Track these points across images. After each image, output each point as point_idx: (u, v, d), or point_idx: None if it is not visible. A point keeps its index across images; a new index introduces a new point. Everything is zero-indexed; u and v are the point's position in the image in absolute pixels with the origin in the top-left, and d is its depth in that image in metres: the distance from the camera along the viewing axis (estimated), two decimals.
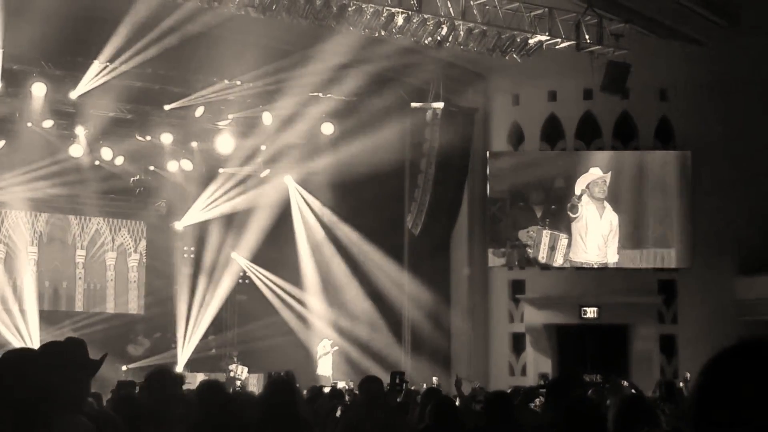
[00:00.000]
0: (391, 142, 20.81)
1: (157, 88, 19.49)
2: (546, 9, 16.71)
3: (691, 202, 20.97)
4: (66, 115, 19.89)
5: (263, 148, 22.17)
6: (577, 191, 21.20)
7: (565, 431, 5.06)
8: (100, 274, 23.46)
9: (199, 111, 20.37)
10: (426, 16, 15.86)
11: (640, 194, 21.28)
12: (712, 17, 18.83)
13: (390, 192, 21.94)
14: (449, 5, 16.04)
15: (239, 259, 23.41)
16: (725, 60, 20.10)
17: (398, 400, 11.16)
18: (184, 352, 22.70)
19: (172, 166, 22.13)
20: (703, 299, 20.79)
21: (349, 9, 15.28)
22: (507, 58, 17.10)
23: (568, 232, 21.26)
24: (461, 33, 16.30)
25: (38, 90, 18.51)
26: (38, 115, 19.25)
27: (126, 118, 20.42)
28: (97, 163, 21.33)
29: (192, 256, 23.74)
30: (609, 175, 21.20)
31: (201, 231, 23.53)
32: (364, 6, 15.35)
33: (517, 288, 22.38)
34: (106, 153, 21.01)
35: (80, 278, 23.16)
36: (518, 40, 16.77)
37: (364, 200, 21.48)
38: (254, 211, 22.80)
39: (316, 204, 23.15)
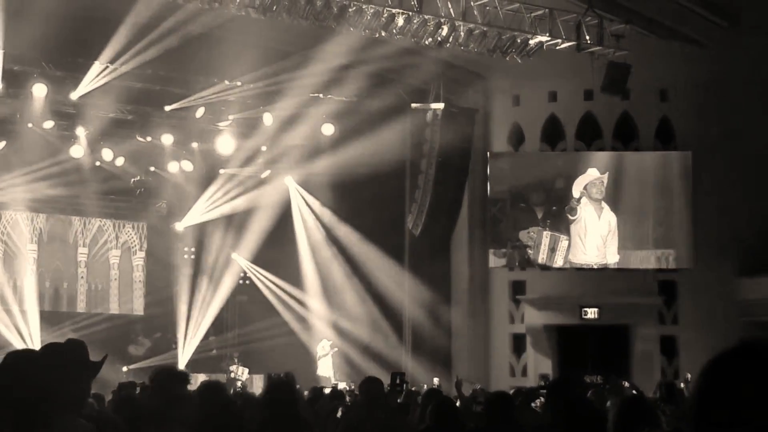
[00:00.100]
0: (392, 143, 20.82)
1: (158, 89, 19.50)
2: (546, 10, 16.71)
3: (691, 202, 20.95)
4: (66, 115, 19.91)
5: (264, 148, 22.18)
6: (576, 194, 21.18)
7: (564, 431, 5.06)
8: (103, 273, 23.45)
9: (200, 112, 20.38)
10: (426, 17, 15.86)
11: (640, 195, 21.27)
12: (713, 18, 18.84)
13: (390, 193, 21.94)
14: (449, 6, 16.04)
15: (240, 260, 23.41)
16: (725, 60, 20.10)
17: (399, 400, 11.15)
18: (184, 353, 22.70)
19: (172, 166, 22.14)
20: (703, 300, 20.78)
21: (350, 10, 15.29)
22: (507, 58, 17.09)
23: (568, 233, 21.26)
24: (462, 34, 16.30)
25: (39, 91, 18.53)
26: (39, 115, 19.26)
27: (126, 118, 20.43)
28: (97, 163, 21.34)
29: (192, 256, 23.74)
30: (606, 175, 21.18)
31: (201, 232, 23.54)
32: (364, 7, 15.35)
33: (517, 289, 22.38)
34: (107, 154, 21.03)
35: (82, 277, 23.14)
36: (518, 40, 16.77)
37: (364, 201, 21.49)
38: (255, 211, 22.81)
39: (316, 205, 23.16)
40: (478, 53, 16.99)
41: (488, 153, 22.28)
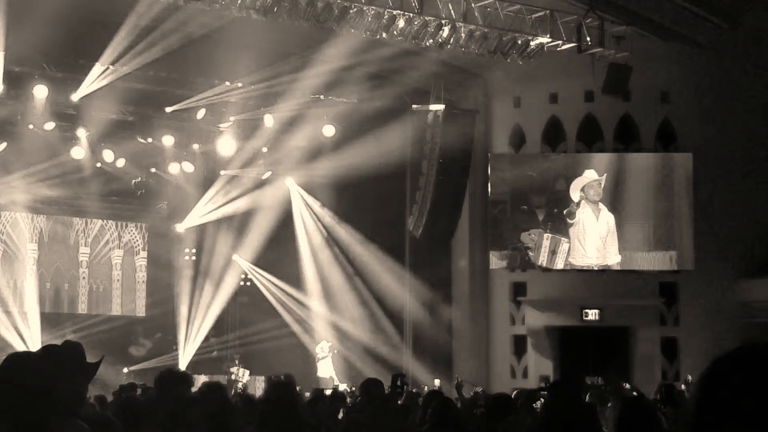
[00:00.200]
0: (393, 144, 20.82)
1: (159, 90, 19.50)
2: (547, 11, 16.72)
3: (692, 204, 20.94)
4: (67, 117, 19.90)
5: (265, 150, 22.17)
6: (574, 196, 21.16)
7: (559, 429, 5.07)
8: (104, 274, 23.44)
9: (201, 113, 20.38)
10: (427, 18, 15.86)
11: (641, 196, 21.26)
12: (713, 19, 18.84)
13: (391, 194, 21.94)
14: (450, 7, 16.04)
15: (240, 262, 23.40)
16: (726, 62, 20.10)
17: (399, 402, 11.14)
18: (185, 355, 22.68)
19: (173, 168, 22.14)
20: (704, 301, 20.76)
21: (351, 11, 15.29)
22: (508, 60, 17.10)
23: (569, 236, 21.25)
24: (462, 35, 16.31)
25: (40, 92, 18.52)
26: (40, 117, 19.25)
27: (127, 120, 20.43)
28: (98, 165, 21.33)
29: (193, 258, 23.73)
30: (605, 177, 21.17)
31: (202, 233, 23.53)
32: (365, 8, 15.36)
33: (518, 290, 22.38)
34: (108, 155, 21.02)
35: (84, 278, 23.13)
36: (519, 42, 16.77)
37: (365, 202, 21.49)
38: (255, 213, 22.79)
39: (317, 206, 23.15)
40: (479, 54, 17.00)
41: (489, 154, 22.28)
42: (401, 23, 15.76)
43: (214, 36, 17.35)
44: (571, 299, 21.54)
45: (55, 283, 22.69)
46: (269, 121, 20.69)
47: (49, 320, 21.48)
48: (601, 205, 21.20)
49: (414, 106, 21.34)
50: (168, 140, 21.06)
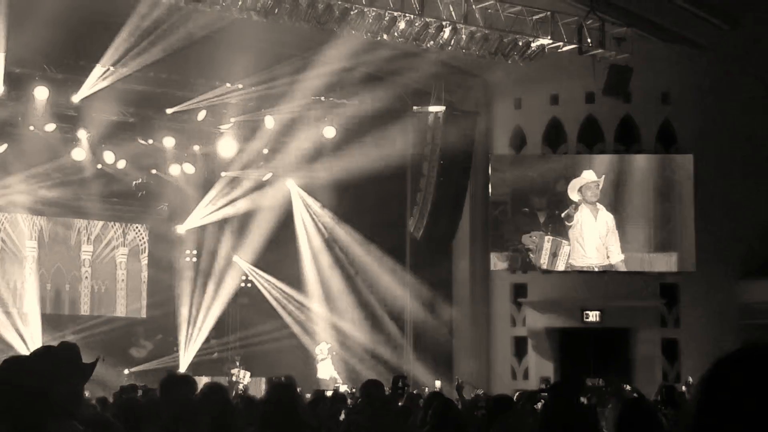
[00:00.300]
0: (393, 146, 20.83)
1: (159, 92, 19.50)
2: (548, 13, 16.72)
3: (693, 205, 20.93)
4: (68, 118, 19.90)
5: (265, 151, 22.18)
6: (572, 196, 21.16)
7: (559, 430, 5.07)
8: (107, 274, 23.42)
9: (201, 114, 20.38)
10: (428, 20, 15.86)
11: (642, 198, 21.26)
12: (714, 20, 18.83)
13: (392, 195, 21.94)
14: (451, 9, 16.04)
15: (241, 263, 23.39)
16: (727, 63, 20.10)
17: (400, 403, 11.14)
18: (186, 356, 22.68)
19: (174, 169, 22.15)
20: (705, 303, 20.75)
21: (351, 13, 15.29)
22: (509, 61, 17.10)
23: (569, 238, 21.25)
24: (463, 37, 16.31)
25: (40, 93, 18.52)
26: (40, 118, 19.26)
27: (128, 121, 20.43)
28: (99, 166, 21.33)
29: (194, 259, 23.72)
30: (603, 179, 21.16)
31: (203, 234, 23.53)
32: (366, 10, 15.36)
33: (519, 291, 22.37)
34: (109, 156, 21.02)
35: (86, 278, 23.12)
36: (520, 43, 16.77)
37: (365, 203, 21.49)
38: (256, 214, 22.79)
39: (317, 207, 23.15)
40: (480, 56, 17.00)
41: (490, 155, 22.28)
42: (402, 25, 15.76)
43: (215, 37, 17.35)
44: (571, 300, 21.53)
45: (55, 284, 22.69)
46: (270, 122, 20.70)
47: (49, 321, 21.47)
48: (599, 206, 21.21)
49: (415, 107, 21.34)
50: (169, 141, 21.06)
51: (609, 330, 21.32)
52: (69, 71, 18.55)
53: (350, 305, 22.60)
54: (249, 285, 23.81)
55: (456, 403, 9.41)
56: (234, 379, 20.58)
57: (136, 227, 23.83)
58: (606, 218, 21.15)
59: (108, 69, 18.14)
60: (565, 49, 17.06)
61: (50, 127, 19.68)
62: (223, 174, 22.89)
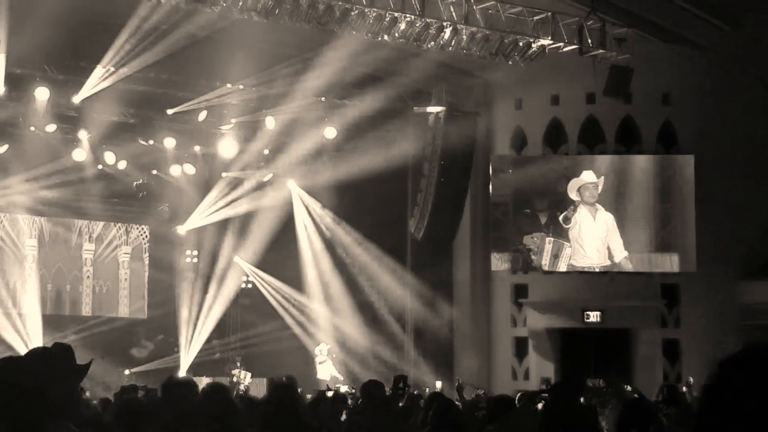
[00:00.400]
0: (394, 146, 20.84)
1: (160, 93, 19.51)
2: (549, 13, 16.71)
3: (694, 206, 20.93)
4: (69, 119, 19.91)
5: (266, 152, 22.19)
6: (572, 196, 21.14)
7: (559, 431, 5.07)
8: (108, 274, 23.42)
9: (202, 115, 20.39)
10: (429, 21, 15.86)
11: (643, 198, 21.25)
12: (714, 21, 18.82)
13: (392, 196, 21.94)
14: (452, 9, 16.04)
15: (242, 264, 23.40)
16: (727, 64, 20.10)
17: (401, 404, 11.13)
18: (187, 357, 22.69)
19: (174, 170, 22.16)
20: (706, 303, 20.75)
21: (352, 13, 15.29)
22: (509, 62, 17.09)
23: (570, 239, 21.25)
24: (464, 37, 16.30)
25: (41, 94, 18.53)
26: (41, 119, 19.26)
27: (129, 122, 20.44)
28: (100, 167, 21.35)
29: (195, 260, 23.74)
30: (602, 179, 21.15)
31: (204, 235, 23.54)
32: (366, 10, 15.35)
33: (519, 292, 22.37)
34: (109, 157, 21.04)
35: (88, 277, 23.11)
36: (521, 44, 16.77)
37: (366, 204, 21.49)
38: (257, 215, 22.80)
39: (318, 208, 23.16)
40: (480, 56, 16.99)
41: (490, 156, 22.28)
42: (403, 25, 15.76)
43: (216, 38, 17.36)
44: (572, 301, 21.54)
45: (56, 285, 22.69)
46: (270, 123, 20.70)
47: (50, 322, 21.47)
48: (598, 206, 21.20)
49: (415, 108, 21.33)
50: (169, 142, 21.08)
51: (610, 330, 21.33)
52: (70, 72, 18.56)
53: (351, 306, 22.60)
54: (250, 286, 23.83)
55: (456, 404, 9.41)
56: (235, 379, 20.59)
57: (137, 227, 23.84)
58: (605, 218, 21.14)
59: (109, 70, 18.14)
60: (565, 49, 17.06)
61: (51, 127, 19.69)
62: (223, 174, 22.90)
